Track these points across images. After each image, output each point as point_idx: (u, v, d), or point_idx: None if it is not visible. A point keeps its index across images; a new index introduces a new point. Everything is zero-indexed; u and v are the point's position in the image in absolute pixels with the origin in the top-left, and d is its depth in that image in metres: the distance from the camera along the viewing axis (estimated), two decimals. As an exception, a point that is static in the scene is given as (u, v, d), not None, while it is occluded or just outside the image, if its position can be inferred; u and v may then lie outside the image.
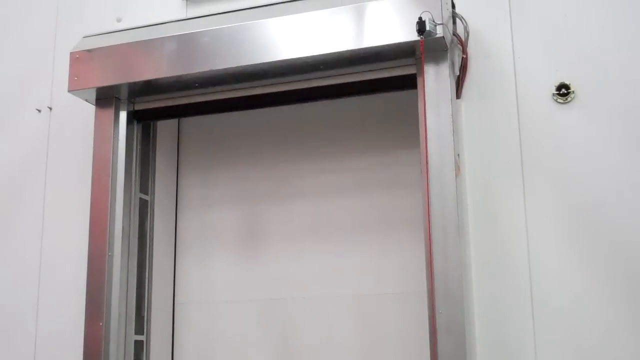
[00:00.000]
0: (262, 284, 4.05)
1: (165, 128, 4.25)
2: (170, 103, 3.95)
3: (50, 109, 4.42)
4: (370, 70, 3.56)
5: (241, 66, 3.53)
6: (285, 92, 3.73)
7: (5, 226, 4.39)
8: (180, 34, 3.68)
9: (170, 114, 4.06)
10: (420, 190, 3.33)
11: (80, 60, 3.85)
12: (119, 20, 4.36)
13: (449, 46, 3.37)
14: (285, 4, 3.71)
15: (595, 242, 3.36)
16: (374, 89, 3.62)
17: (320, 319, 3.92)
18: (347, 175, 3.99)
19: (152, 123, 4.12)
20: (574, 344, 3.31)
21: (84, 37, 3.97)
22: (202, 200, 4.25)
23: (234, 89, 3.79)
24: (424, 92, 3.34)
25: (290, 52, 3.48)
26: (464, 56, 3.60)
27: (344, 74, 3.61)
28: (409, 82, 3.46)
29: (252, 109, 3.91)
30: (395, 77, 3.53)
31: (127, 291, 3.84)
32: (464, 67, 3.61)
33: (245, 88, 3.77)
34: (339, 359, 3.86)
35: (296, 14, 3.53)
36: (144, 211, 4.03)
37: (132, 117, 3.97)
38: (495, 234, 3.49)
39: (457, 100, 3.58)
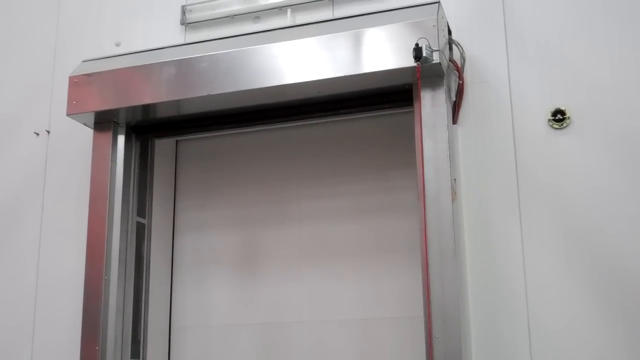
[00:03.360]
0: (259, 308, 4.04)
1: (162, 152, 4.26)
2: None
3: (49, 132, 4.43)
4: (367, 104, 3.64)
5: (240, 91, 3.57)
6: (284, 106, 3.76)
7: (3, 249, 4.38)
8: (178, 59, 3.71)
9: (169, 129, 4.08)
10: (417, 214, 3.35)
11: (79, 84, 3.87)
12: (117, 45, 4.39)
13: (445, 72, 3.40)
14: (283, 30, 3.75)
15: (591, 266, 3.37)
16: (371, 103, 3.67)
17: (317, 343, 3.91)
18: (344, 200, 3.99)
19: (149, 148, 4.13)
20: (570, 368, 3.32)
21: (82, 62, 3.99)
22: (199, 223, 4.25)
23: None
24: (421, 118, 3.36)
25: (287, 77, 3.50)
26: (461, 82, 3.63)
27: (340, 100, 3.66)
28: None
29: (250, 124, 3.92)
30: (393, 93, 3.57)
31: (123, 315, 3.83)
32: (460, 93, 3.64)
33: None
34: (335, 383, 3.86)
35: (294, 40, 3.56)
36: (141, 234, 4.03)
37: (131, 132, 3.99)
38: (491, 258, 3.50)
39: (454, 125, 3.60)
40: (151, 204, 4.12)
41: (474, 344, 3.43)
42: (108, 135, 3.92)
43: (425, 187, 3.29)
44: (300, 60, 3.50)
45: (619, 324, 3.28)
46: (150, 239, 4.07)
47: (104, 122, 3.92)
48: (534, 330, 3.38)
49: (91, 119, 3.92)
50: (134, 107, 3.81)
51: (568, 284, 3.38)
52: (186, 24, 4.30)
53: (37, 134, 4.45)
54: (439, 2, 3.42)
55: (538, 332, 3.37)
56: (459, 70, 3.62)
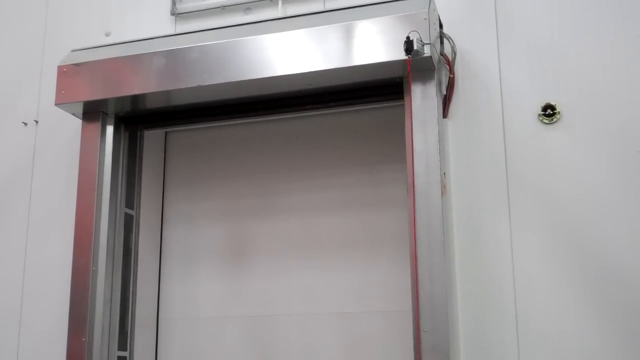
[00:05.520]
0: (247, 300, 4.03)
1: (151, 143, 4.24)
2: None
3: (37, 122, 4.40)
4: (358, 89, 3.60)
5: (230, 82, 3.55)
6: (274, 98, 3.74)
7: (-11, 239, 4.36)
8: (168, 50, 3.69)
9: (158, 120, 4.06)
10: (407, 208, 3.34)
11: (67, 73, 3.84)
12: (107, 35, 4.36)
13: (436, 66, 3.39)
14: (274, 21, 3.74)
15: (579, 261, 3.38)
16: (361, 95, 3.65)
17: (305, 336, 3.91)
18: (334, 193, 3.99)
19: (138, 138, 4.11)
20: (558, 362, 3.33)
21: (72, 51, 3.96)
22: (187, 215, 4.24)
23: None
24: (411, 111, 3.36)
25: (278, 69, 3.49)
26: (451, 76, 3.63)
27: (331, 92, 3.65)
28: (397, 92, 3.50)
29: (240, 115, 3.90)
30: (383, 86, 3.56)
31: (110, 306, 3.81)
32: (451, 87, 3.64)
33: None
34: (323, 376, 3.86)
35: (285, 31, 3.54)
36: (129, 226, 4.01)
37: (120, 123, 3.97)
38: (480, 252, 3.50)
39: (444, 119, 3.60)
40: (139, 195, 4.10)
41: (462, 337, 3.43)
42: (97, 126, 3.90)
43: (415, 181, 3.29)
44: (291, 52, 3.48)
45: (607, 317, 3.29)
46: (138, 231, 4.06)
47: (92, 112, 3.90)
48: (522, 324, 3.38)
49: (80, 109, 3.89)
50: (123, 98, 3.79)
51: (556, 277, 3.38)
52: (176, 14, 4.27)
53: (25, 124, 4.42)
54: (430, -5, 3.42)
55: (525, 326, 3.38)
56: (450, 64, 3.62)
